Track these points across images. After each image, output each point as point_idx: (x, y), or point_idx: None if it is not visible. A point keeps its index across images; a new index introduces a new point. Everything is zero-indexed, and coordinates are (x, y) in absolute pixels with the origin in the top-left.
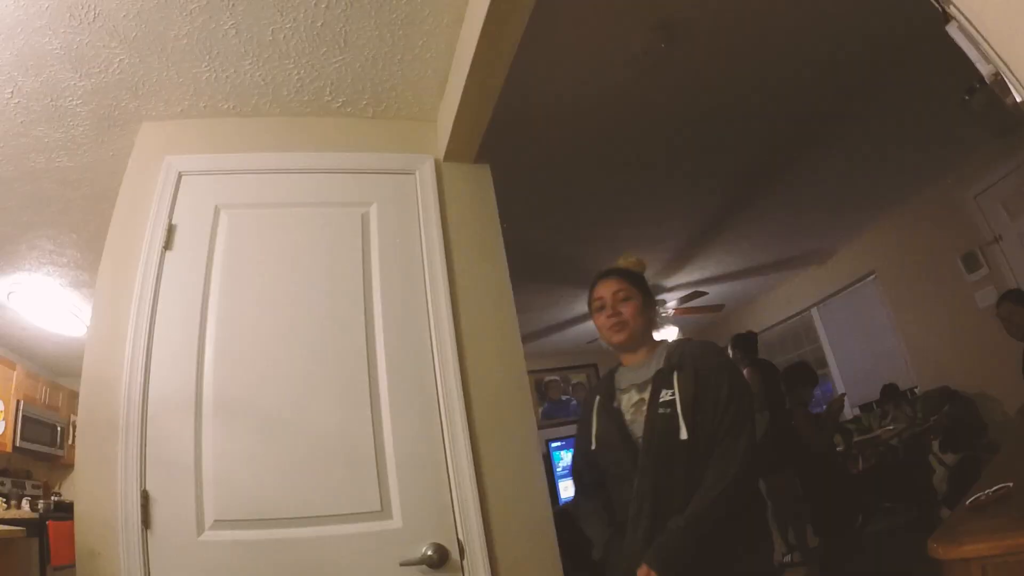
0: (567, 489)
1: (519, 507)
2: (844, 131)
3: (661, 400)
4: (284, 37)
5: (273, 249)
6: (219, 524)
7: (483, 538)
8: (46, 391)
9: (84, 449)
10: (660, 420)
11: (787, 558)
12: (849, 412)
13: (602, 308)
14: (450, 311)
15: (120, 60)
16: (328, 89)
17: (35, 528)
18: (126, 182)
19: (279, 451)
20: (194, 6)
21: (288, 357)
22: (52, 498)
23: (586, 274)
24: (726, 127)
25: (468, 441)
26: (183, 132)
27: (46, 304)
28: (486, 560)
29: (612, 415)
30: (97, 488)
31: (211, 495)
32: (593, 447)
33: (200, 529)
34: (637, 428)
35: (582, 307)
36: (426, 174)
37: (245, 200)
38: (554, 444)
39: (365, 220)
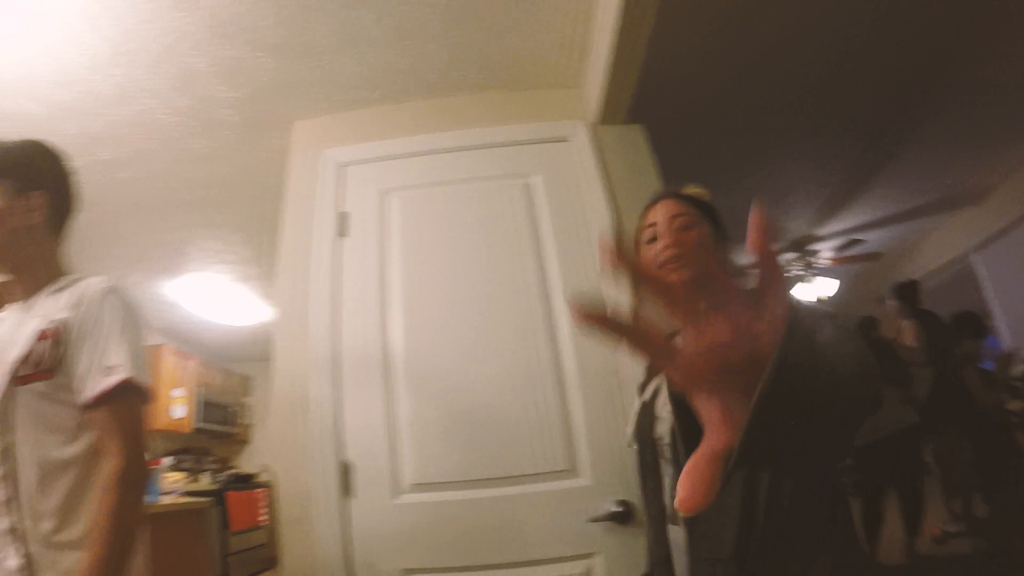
0: None
1: None
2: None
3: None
4: (426, 21)
5: (443, 225)
6: (415, 487)
7: None
8: (219, 377)
9: (279, 425)
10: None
11: (952, 528)
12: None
13: (654, 239)
14: None
15: (267, 68)
16: (472, 66)
17: (215, 498)
18: (291, 179)
19: (468, 416)
20: (334, 5)
21: (470, 325)
22: (229, 471)
23: (738, 227)
24: (871, 61)
25: None
26: (336, 125)
27: (216, 298)
28: None
29: (644, 407)
30: (294, 461)
31: (406, 461)
32: (627, 443)
33: (396, 493)
34: (666, 432)
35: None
36: (581, 140)
37: (409, 182)
38: None
39: (529, 190)
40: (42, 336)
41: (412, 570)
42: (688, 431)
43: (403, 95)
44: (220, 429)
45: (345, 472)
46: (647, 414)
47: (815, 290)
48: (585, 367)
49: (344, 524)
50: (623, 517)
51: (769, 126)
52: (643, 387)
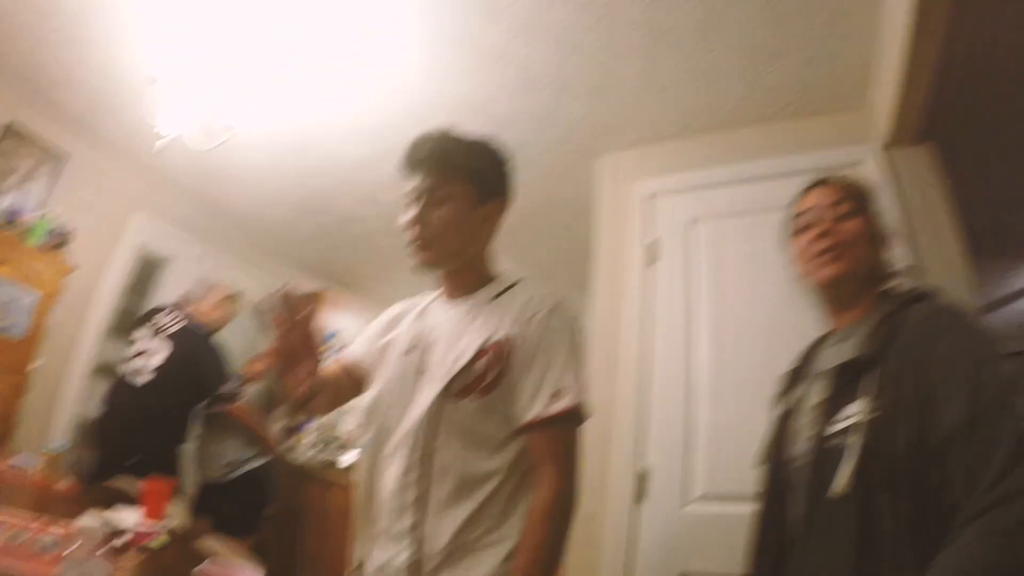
0: None
1: None
2: None
3: (836, 423)
4: (722, 60)
5: (748, 251)
6: (704, 497)
7: None
8: None
9: (584, 431)
10: (826, 458)
11: None
12: None
13: (808, 227)
14: None
15: (576, 111)
16: (767, 97)
17: None
18: (601, 210)
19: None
20: (637, 52)
21: (770, 346)
22: None
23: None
24: None
25: None
26: (640, 159)
27: None
28: None
29: (778, 419)
30: (595, 464)
31: (700, 470)
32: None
33: (685, 501)
34: (801, 453)
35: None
36: (873, 164)
37: (713, 211)
38: None
39: None
40: (483, 352)
41: (690, 574)
42: None
43: (702, 129)
44: None
45: (641, 479)
46: (782, 429)
47: None
48: None
49: (632, 526)
50: None
51: None
52: (781, 396)
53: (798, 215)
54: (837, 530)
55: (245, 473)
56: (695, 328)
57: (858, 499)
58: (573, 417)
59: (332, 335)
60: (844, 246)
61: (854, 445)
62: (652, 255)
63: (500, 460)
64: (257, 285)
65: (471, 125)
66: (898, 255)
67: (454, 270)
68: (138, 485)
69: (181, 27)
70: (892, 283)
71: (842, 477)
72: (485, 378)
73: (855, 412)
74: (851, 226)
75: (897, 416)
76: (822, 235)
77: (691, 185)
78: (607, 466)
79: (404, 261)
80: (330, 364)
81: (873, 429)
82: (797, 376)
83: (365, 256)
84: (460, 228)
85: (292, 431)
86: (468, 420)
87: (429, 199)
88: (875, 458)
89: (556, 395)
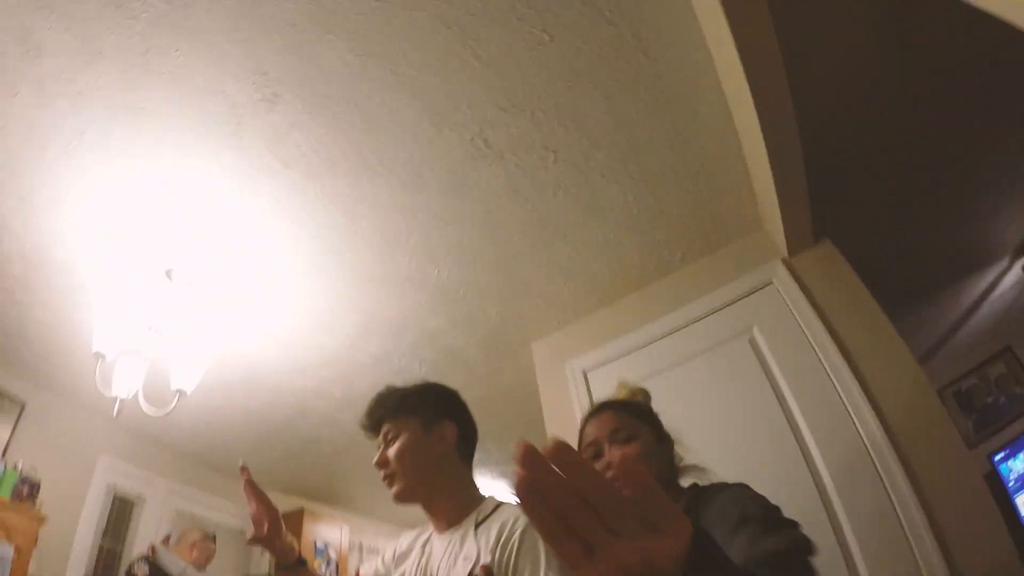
0: None
1: (980, 549)
2: None
3: None
4: (612, 233)
5: (690, 400)
6: None
7: None
8: None
9: None
10: None
11: None
12: None
13: (598, 456)
14: (857, 385)
15: (496, 310)
16: (665, 251)
17: None
18: (543, 393)
19: None
20: (535, 249)
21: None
22: None
23: (955, 262)
24: None
25: (916, 500)
26: (569, 337)
27: None
28: None
29: None
30: None
31: None
32: None
33: None
34: None
35: (968, 298)
36: (782, 277)
37: (645, 372)
38: (998, 456)
39: (753, 344)
40: None
41: None
42: None
43: (615, 296)
44: None
45: None
46: None
47: None
48: (853, 506)
49: None
50: None
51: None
52: None
53: (587, 445)
54: None
55: None
56: None
57: None
58: None
59: (323, 548)
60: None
61: None
62: None
63: None
64: (235, 514)
65: (404, 341)
66: (681, 452)
67: (430, 501)
68: None
69: (122, 297)
70: (686, 478)
71: None
72: None
73: None
74: (630, 451)
75: None
76: (608, 467)
77: (617, 352)
78: None
79: (375, 473)
80: None
81: None
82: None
83: (337, 472)
84: (415, 454)
85: None
86: None
87: (385, 441)
88: None
89: None
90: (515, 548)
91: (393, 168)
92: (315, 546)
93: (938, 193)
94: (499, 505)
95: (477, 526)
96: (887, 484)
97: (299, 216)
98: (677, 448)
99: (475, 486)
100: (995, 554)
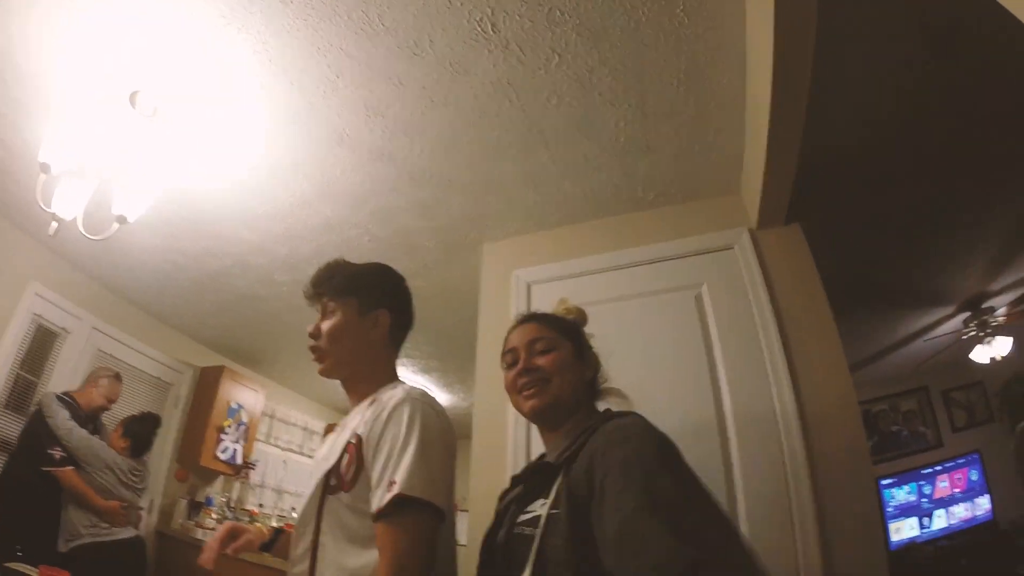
0: (898, 531)
1: (857, 554)
2: None
3: (526, 514)
4: (594, 156)
5: (624, 336)
6: None
7: None
8: None
9: (478, 499)
10: (513, 545)
11: None
12: None
13: (514, 363)
14: (786, 369)
15: (458, 202)
16: (640, 188)
17: None
18: (484, 295)
19: None
20: (513, 151)
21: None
22: None
23: (908, 292)
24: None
25: (809, 485)
26: (522, 247)
27: None
28: None
29: (497, 513)
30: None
31: None
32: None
33: None
34: (502, 540)
35: (906, 329)
36: (744, 245)
37: (589, 299)
38: (885, 481)
39: (699, 300)
40: (348, 450)
41: None
42: None
43: (579, 217)
44: None
45: None
46: (498, 520)
47: (991, 351)
48: (752, 469)
49: None
50: None
51: (927, 194)
52: (502, 496)
53: (505, 352)
54: None
55: (94, 544)
56: None
57: None
58: (403, 508)
59: (236, 409)
60: (542, 382)
61: (533, 536)
62: None
63: (368, 557)
64: (154, 359)
65: (360, 212)
66: (605, 375)
67: (350, 379)
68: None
69: (73, 115)
70: (600, 403)
71: (528, 565)
72: (347, 475)
73: (536, 509)
74: (546, 362)
75: (569, 514)
76: (522, 372)
77: (566, 273)
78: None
79: (301, 343)
80: None
81: (548, 524)
82: (515, 481)
83: (265, 335)
84: (347, 335)
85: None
86: (342, 515)
87: (323, 314)
88: (547, 550)
89: (389, 487)
90: (384, 420)
91: (394, 30)
92: (229, 405)
93: (914, 226)
94: (398, 388)
95: (372, 404)
96: (786, 460)
97: (283, 60)
98: (606, 367)
99: (395, 373)
100: (869, 554)
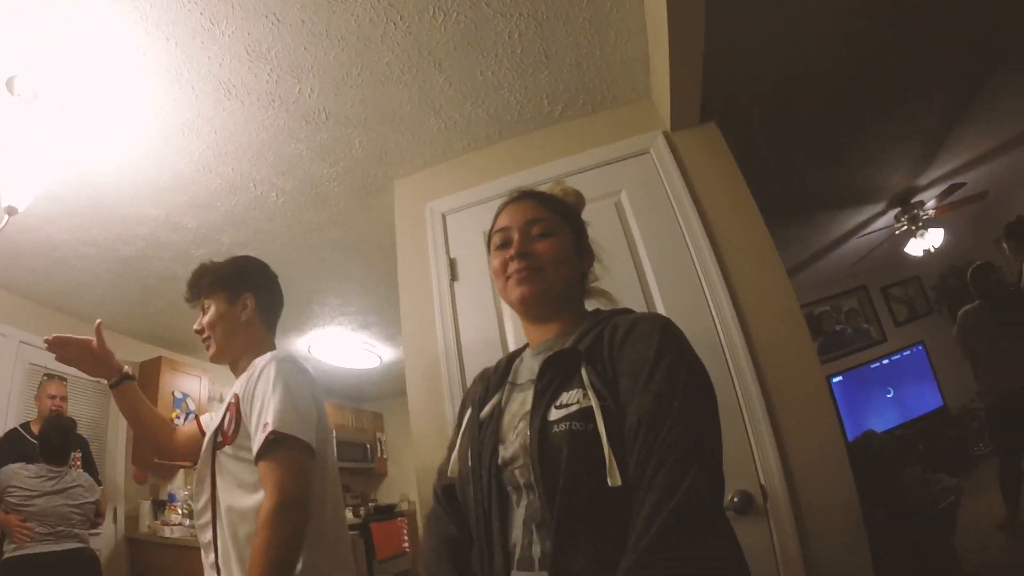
0: (853, 425)
1: (814, 447)
2: None
3: (560, 406)
4: (492, 73)
5: None
6: None
7: (783, 481)
8: (352, 417)
9: (421, 448)
10: (559, 444)
11: None
12: None
13: (505, 244)
14: (717, 267)
15: (359, 141)
16: (545, 102)
17: (360, 530)
18: (399, 234)
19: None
20: (407, 77)
21: None
22: (371, 504)
23: (836, 193)
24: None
25: (758, 387)
26: (433, 179)
27: (341, 347)
28: (787, 501)
29: (482, 428)
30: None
31: None
32: (450, 472)
33: None
34: (516, 455)
35: (839, 229)
36: (660, 148)
37: None
38: (835, 379)
39: (619, 207)
40: (228, 409)
41: None
42: None
43: (487, 140)
44: (358, 466)
45: None
46: (477, 440)
47: (924, 243)
48: None
49: None
50: (741, 507)
51: (846, 92)
52: (471, 407)
53: (495, 231)
54: (607, 521)
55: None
56: (506, 337)
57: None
58: (278, 444)
59: (182, 398)
60: (540, 266)
61: (587, 431)
62: (453, 273)
63: (256, 499)
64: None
65: (261, 166)
66: (597, 271)
67: (235, 362)
68: None
69: None
70: (591, 302)
71: (609, 460)
72: (229, 429)
73: (573, 401)
74: (544, 247)
75: (612, 406)
76: (516, 256)
77: (480, 198)
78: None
79: None
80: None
81: (606, 415)
82: (489, 389)
83: (194, 317)
84: (223, 321)
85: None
86: (229, 465)
87: (203, 311)
88: (617, 443)
89: (264, 429)
90: (256, 378)
91: None
92: (174, 396)
93: (838, 126)
94: (267, 354)
95: (247, 371)
96: (731, 366)
97: (153, 15)
98: (597, 266)
99: (272, 347)
100: (826, 451)
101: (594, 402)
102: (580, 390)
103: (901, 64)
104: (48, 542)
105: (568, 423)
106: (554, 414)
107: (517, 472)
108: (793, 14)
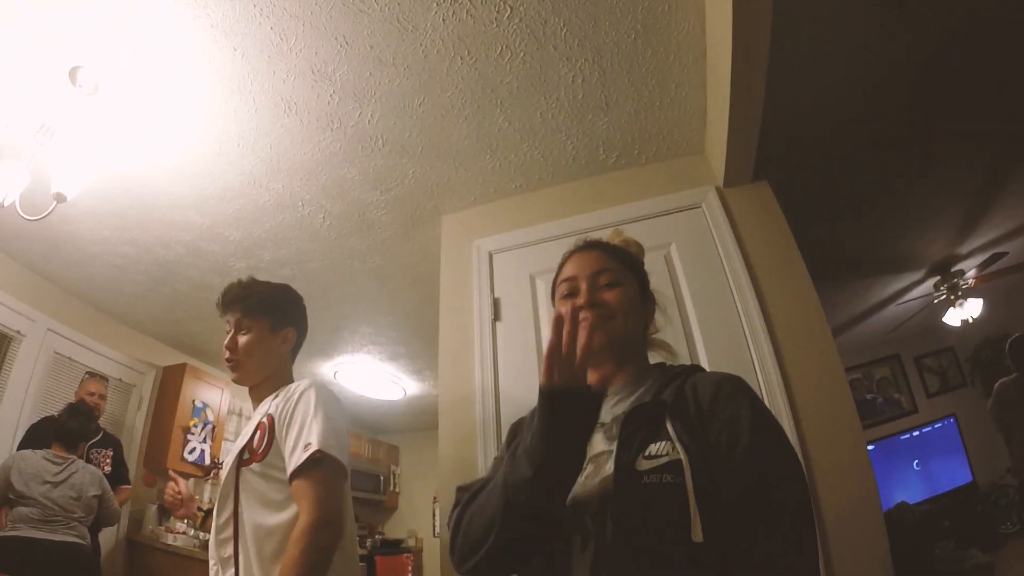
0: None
1: (850, 518)
2: None
3: (649, 456)
4: (552, 116)
5: None
6: None
7: (820, 551)
8: (368, 447)
9: (446, 487)
10: (648, 494)
11: None
12: None
13: (572, 294)
14: (764, 328)
15: (413, 172)
16: (601, 149)
17: (365, 563)
18: (444, 268)
19: None
20: (467, 112)
21: None
22: (377, 536)
23: (875, 258)
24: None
25: (800, 456)
26: (482, 216)
27: (367, 376)
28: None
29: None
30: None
31: None
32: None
33: None
34: (591, 498)
35: (876, 296)
36: (712, 203)
37: (553, 266)
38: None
39: (668, 260)
40: (259, 428)
41: None
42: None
43: (539, 183)
44: (369, 497)
45: None
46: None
47: (963, 313)
48: None
49: None
50: None
51: (892, 158)
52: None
53: (561, 281)
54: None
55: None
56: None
57: (714, 543)
58: (318, 463)
59: (202, 408)
60: (611, 314)
61: (675, 484)
62: (496, 312)
63: (284, 516)
64: (112, 360)
65: (311, 186)
66: (659, 322)
67: (257, 387)
68: None
69: (16, 91)
70: (652, 353)
71: (695, 523)
72: (259, 447)
73: (664, 452)
74: (612, 296)
75: (702, 462)
76: (586, 305)
77: (529, 240)
78: None
79: None
80: None
81: (694, 470)
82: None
83: (224, 329)
84: (259, 349)
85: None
86: (255, 483)
87: (237, 329)
88: (703, 500)
89: (305, 449)
90: (295, 400)
91: None
92: (194, 404)
93: (882, 194)
94: (302, 381)
95: (276, 396)
96: None
97: (224, 24)
98: (659, 317)
99: (292, 377)
100: (863, 522)
101: (683, 456)
102: (668, 442)
103: (944, 130)
104: (43, 530)
105: (660, 475)
106: (643, 464)
107: (588, 517)
108: (842, 73)
